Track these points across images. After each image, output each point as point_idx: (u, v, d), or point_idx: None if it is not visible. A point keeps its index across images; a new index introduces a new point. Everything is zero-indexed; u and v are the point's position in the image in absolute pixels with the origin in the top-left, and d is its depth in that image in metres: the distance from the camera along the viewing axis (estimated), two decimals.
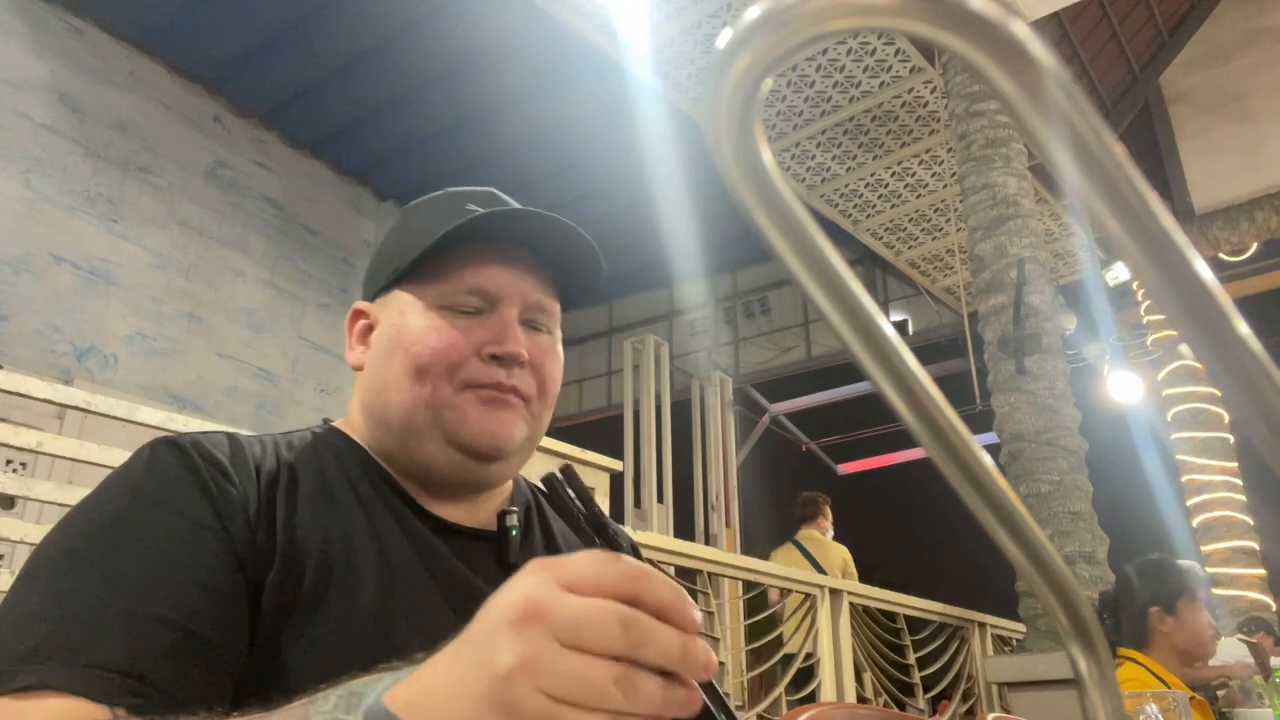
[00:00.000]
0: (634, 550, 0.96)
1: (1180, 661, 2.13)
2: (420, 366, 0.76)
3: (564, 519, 0.91)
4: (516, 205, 0.84)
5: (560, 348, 0.85)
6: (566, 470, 0.80)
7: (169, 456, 0.69)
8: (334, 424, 0.85)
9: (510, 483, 0.88)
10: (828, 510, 5.40)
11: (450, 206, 0.82)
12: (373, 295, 0.84)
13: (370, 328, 0.83)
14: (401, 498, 0.77)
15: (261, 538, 0.67)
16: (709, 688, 0.41)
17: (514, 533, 0.80)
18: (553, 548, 0.85)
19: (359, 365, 0.83)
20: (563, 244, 0.81)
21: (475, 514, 0.81)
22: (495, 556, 0.79)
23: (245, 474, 0.71)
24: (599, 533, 0.82)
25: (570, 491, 0.80)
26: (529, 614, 0.39)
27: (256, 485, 0.71)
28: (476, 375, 0.76)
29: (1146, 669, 2.08)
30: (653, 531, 5.58)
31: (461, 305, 0.78)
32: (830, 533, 5.33)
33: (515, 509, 0.82)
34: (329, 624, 0.65)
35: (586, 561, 0.40)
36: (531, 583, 0.41)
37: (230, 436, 0.75)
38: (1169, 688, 1.98)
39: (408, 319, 0.79)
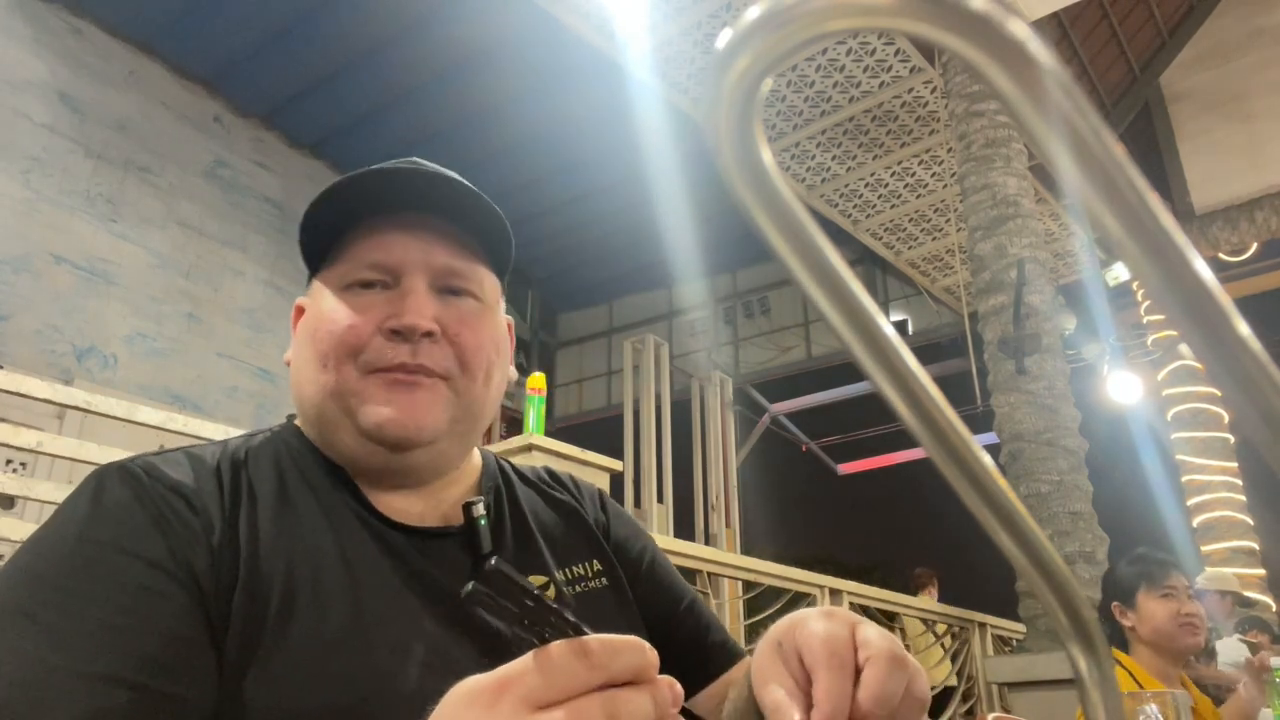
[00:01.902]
0: (600, 501, 0.92)
1: (1156, 655, 2.02)
2: (323, 353, 0.72)
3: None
4: (443, 172, 0.78)
5: (493, 314, 0.78)
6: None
7: (117, 488, 0.63)
8: (296, 420, 0.81)
9: (478, 464, 0.84)
10: (934, 580, 6.37)
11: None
12: (306, 288, 0.81)
13: None
14: (362, 502, 0.73)
15: (225, 566, 0.63)
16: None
17: (482, 522, 0.74)
18: (524, 532, 0.80)
19: (288, 360, 0.79)
20: (463, 203, 0.75)
21: (439, 506, 0.77)
22: (467, 551, 0.74)
23: (208, 495, 0.66)
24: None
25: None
26: None
27: (221, 506, 0.66)
28: (380, 357, 0.71)
29: (1129, 673, 1.98)
30: (653, 531, 5.57)
31: (362, 280, 0.73)
32: (935, 598, 6.30)
33: (480, 497, 0.76)
34: (299, 651, 0.61)
35: (547, 667, 0.39)
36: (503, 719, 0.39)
37: (189, 455, 0.70)
38: (1140, 686, 1.93)
39: (317, 305, 0.75)
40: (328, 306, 0.73)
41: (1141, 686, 1.93)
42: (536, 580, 0.76)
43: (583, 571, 0.81)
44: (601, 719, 0.38)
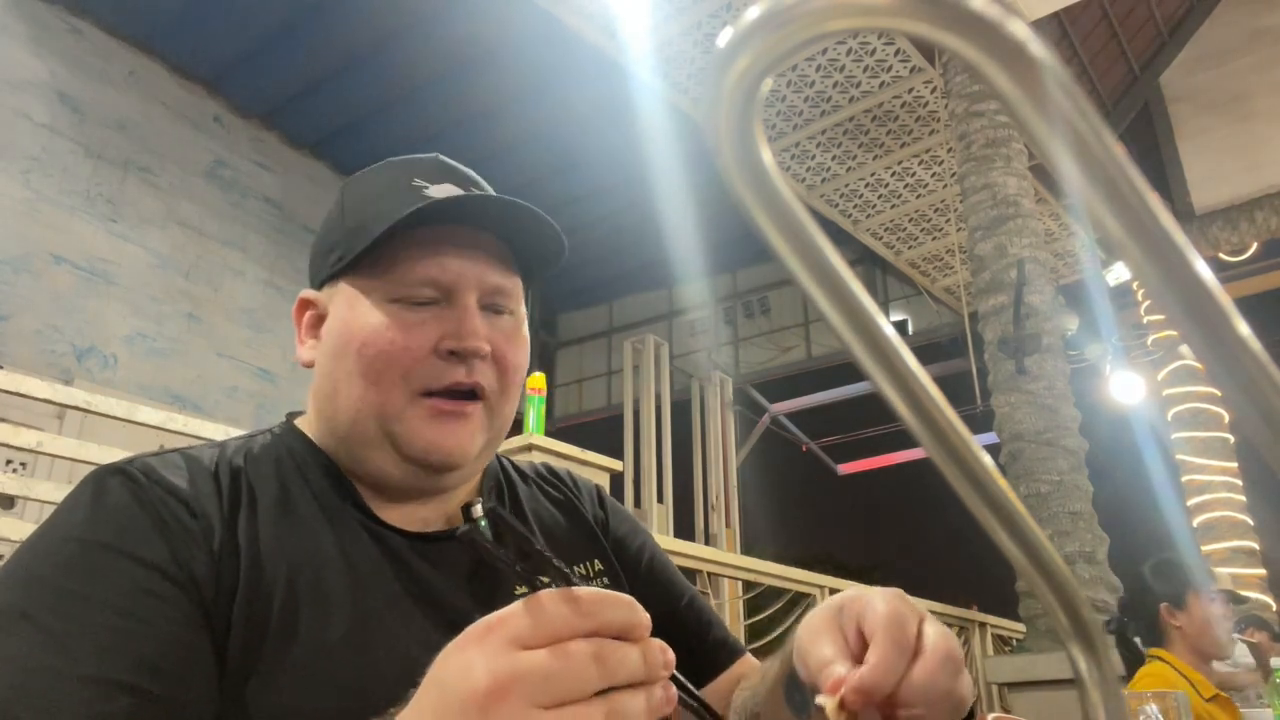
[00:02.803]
0: (598, 498, 0.92)
1: (1199, 657, 2.15)
2: (374, 370, 0.70)
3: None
4: (464, 171, 0.80)
5: (525, 329, 0.79)
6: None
7: (118, 490, 0.63)
8: (296, 421, 0.79)
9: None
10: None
11: (392, 181, 0.76)
12: (320, 283, 0.77)
13: (320, 318, 0.76)
14: (362, 508, 0.72)
15: (225, 572, 0.62)
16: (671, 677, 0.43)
17: (483, 524, 0.73)
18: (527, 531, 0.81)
19: (310, 361, 0.76)
20: (518, 219, 0.75)
21: (443, 511, 0.77)
22: (468, 553, 0.73)
23: (207, 499, 0.65)
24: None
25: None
26: (498, 691, 0.37)
27: (220, 510, 0.65)
28: (434, 378, 0.70)
29: (1172, 666, 2.10)
30: (652, 531, 5.58)
31: (415, 297, 0.71)
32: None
33: (479, 500, 0.75)
34: (301, 658, 0.61)
35: (536, 611, 0.39)
36: (488, 655, 0.38)
37: (187, 457, 0.69)
38: (1193, 685, 2.01)
39: (357, 314, 0.72)
40: (376, 320, 0.71)
41: (1192, 682, 2.01)
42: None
43: (584, 571, 0.81)
44: (588, 663, 0.38)
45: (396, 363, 0.70)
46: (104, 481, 0.64)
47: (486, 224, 0.75)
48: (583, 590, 0.40)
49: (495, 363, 0.74)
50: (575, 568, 0.81)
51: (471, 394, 0.72)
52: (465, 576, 0.72)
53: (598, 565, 0.82)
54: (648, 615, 0.41)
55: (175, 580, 0.60)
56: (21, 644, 0.54)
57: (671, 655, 0.42)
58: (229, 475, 0.69)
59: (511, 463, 0.90)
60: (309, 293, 0.79)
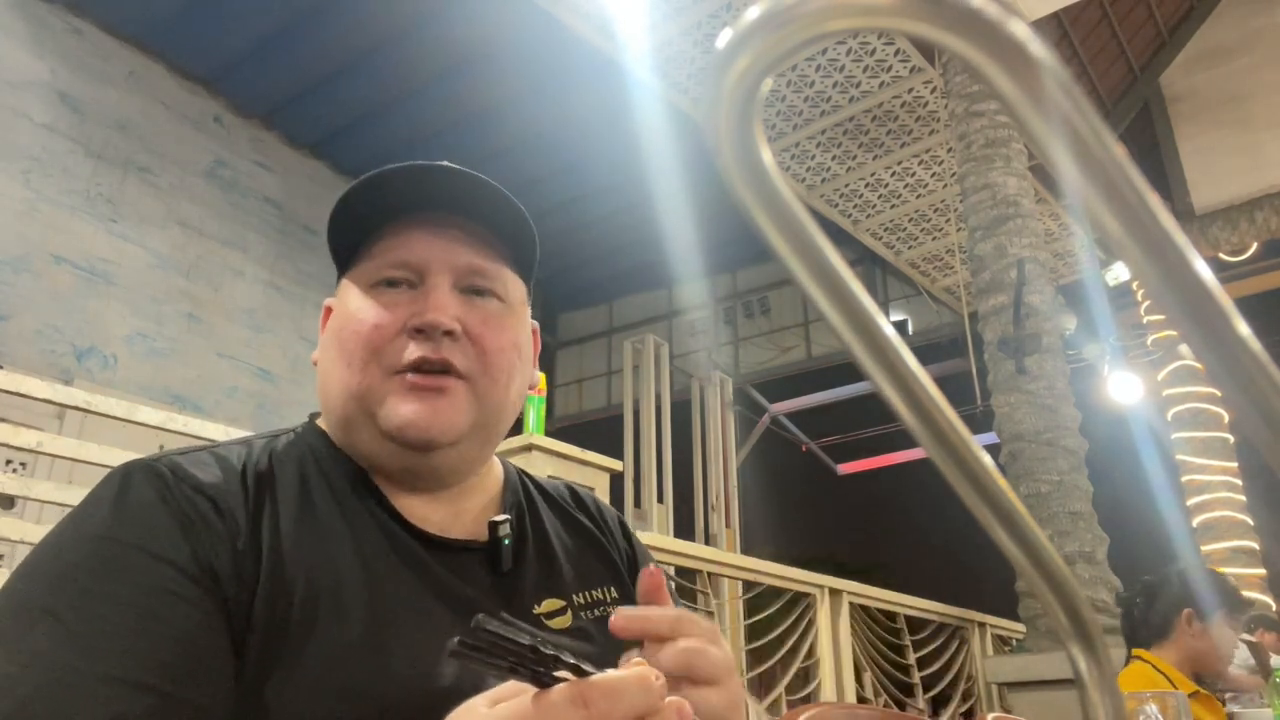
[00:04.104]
0: (624, 531, 0.91)
1: (1194, 668, 2.13)
2: (349, 353, 0.72)
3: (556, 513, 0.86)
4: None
5: (515, 316, 0.78)
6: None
7: (144, 486, 0.63)
8: (318, 420, 0.80)
9: (500, 476, 0.84)
10: None
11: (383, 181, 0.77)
12: (336, 290, 0.81)
13: None
14: (386, 509, 0.72)
15: (248, 572, 0.62)
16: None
17: (506, 541, 0.75)
18: (546, 551, 0.80)
19: (315, 359, 0.79)
20: (490, 204, 0.76)
21: (460, 517, 0.76)
22: (487, 566, 0.74)
23: (234, 498, 0.66)
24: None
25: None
26: None
27: (246, 509, 0.66)
28: (403, 356, 0.71)
29: (1154, 667, 2.09)
30: (653, 531, 5.58)
31: (388, 279, 0.74)
32: None
33: (506, 516, 0.77)
34: (318, 660, 0.61)
35: (545, 717, 0.37)
36: None
37: (216, 455, 0.69)
38: (1172, 684, 2.00)
39: (344, 305, 0.75)
40: (354, 305, 0.74)
41: (1171, 680, 2.01)
42: (553, 604, 0.76)
43: (600, 596, 0.80)
44: None
45: (368, 343, 0.72)
46: (130, 478, 0.64)
47: (456, 207, 0.76)
48: (596, 685, 0.38)
49: (472, 343, 0.73)
50: (592, 591, 0.80)
51: (444, 371, 0.72)
52: (484, 587, 0.72)
53: (613, 593, 0.81)
54: (663, 681, 0.40)
55: (197, 580, 0.60)
56: (43, 641, 0.54)
57: (688, 710, 0.41)
58: (255, 474, 0.69)
59: (532, 479, 0.89)
60: (329, 300, 0.82)
